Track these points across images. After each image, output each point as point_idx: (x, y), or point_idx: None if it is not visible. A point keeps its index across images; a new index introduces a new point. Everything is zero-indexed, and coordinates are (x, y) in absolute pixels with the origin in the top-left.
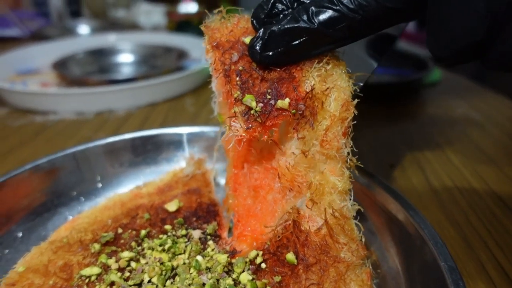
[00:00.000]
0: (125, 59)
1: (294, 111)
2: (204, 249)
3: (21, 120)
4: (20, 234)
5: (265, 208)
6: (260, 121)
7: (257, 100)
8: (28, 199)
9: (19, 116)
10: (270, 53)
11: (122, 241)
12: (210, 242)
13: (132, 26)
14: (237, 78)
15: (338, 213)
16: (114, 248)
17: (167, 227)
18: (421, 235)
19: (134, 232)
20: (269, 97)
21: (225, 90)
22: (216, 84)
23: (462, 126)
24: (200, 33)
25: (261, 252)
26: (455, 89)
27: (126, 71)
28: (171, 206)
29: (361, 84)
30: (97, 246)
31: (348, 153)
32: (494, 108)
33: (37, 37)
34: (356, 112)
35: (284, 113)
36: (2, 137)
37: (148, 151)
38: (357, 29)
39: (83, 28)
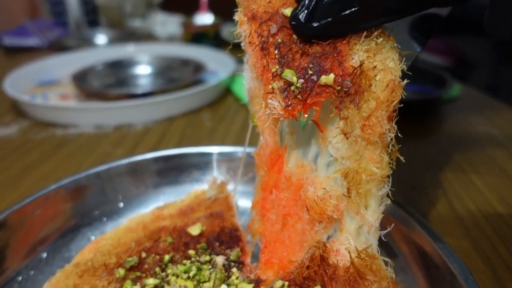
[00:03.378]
0: (143, 71)
1: (339, 88)
2: (229, 276)
3: (43, 134)
4: (45, 255)
5: (294, 237)
6: (300, 98)
7: (297, 75)
8: (56, 220)
9: (40, 129)
10: (316, 24)
11: (146, 266)
12: (234, 270)
13: (148, 36)
14: (276, 51)
15: (364, 254)
16: (138, 273)
17: (191, 252)
18: (450, 270)
19: (157, 257)
20: (310, 72)
21: (261, 64)
22: (250, 59)
23: (483, 146)
24: (216, 46)
25: (287, 283)
26: (474, 105)
27: (144, 84)
28: (194, 230)
29: (409, 63)
30: (122, 271)
31: (391, 139)
32: None
33: (56, 47)
34: (405, 95)
35: (327, 90)
36: (25, 151)
37: (170, 171)
38: (414, 1)
39: (101, 38)
